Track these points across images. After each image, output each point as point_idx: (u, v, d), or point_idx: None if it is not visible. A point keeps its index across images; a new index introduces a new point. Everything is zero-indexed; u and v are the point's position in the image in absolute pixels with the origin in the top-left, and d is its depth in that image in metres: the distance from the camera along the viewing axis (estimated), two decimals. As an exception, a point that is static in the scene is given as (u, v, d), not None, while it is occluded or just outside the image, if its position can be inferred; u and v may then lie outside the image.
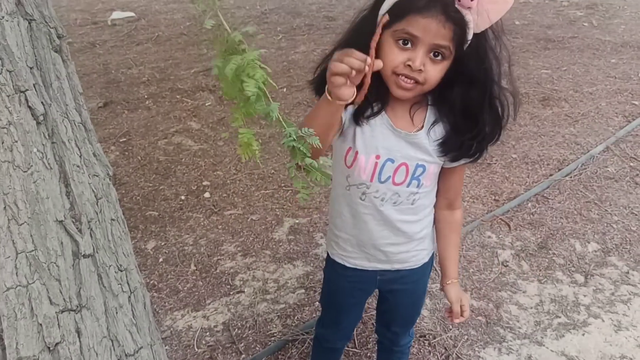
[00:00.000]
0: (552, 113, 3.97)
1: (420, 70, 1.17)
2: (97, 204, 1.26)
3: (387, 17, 1.02)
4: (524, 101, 4.14)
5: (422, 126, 1.31)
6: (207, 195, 3.15)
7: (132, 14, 6.86)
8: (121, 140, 3.83)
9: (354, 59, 1.01)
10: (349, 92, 1.08)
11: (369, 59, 0.98)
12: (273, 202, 3.06)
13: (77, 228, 1.18)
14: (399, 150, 1.32)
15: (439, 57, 1.18)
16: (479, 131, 1.27)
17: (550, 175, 3.22)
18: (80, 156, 1.25)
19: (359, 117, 1.30)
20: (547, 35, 5.64)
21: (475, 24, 1.16)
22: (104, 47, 5.84)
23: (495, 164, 3.34)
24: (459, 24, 1.14)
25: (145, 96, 4.54)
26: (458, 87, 1.25)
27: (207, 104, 4.32)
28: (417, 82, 1.19)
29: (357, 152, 1.33)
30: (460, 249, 2.64)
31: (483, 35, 1.19)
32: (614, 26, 5.87)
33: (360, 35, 1.22)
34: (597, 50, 5.17)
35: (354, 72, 1.05)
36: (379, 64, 1.01)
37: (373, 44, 1.00)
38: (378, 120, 1.31)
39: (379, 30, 1.01)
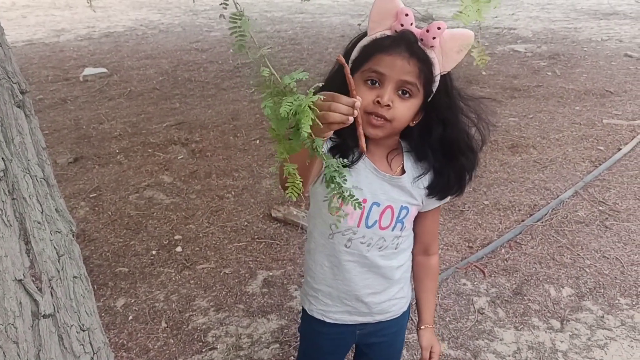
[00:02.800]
0: (521, 159, 4.04)
1: (388, 105, 1.20)
2: (58, 261, 1.22)
3: (342, 58, 1.01)
4: (493, 148, 4.22)
5: (403, 171, 1.35)
6: (179, 249, 3.10)
7: (104, 70, 6.89)
8: (91, 196, 3.77)
9: (342, 105, 0.97)
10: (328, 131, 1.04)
11: (357, 102, 0.96)
12: (246, 255, 3.01)
13: (37, 287, 1.14)
14: (383, 193, 1.34)
15: (407, 95, 1.22)
16: (461, 167, 1.34)
17: (522, 220, 3.25)
18: (42, 212, 1.22)
19: (346, 157, 1.30)
20: (513, 85, 5.80)
21: (441, 64, 1.21)
22: (75, 103, 5.82)
23: (467, 210, 3.36)
24: (423, 61, 1.19)
25: (117, 151, 4.50)
26: (436, 131, 1.30)
27: (179, 157, 4.30)
28: (386, 119, 1.22)
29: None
30: (437, 295, 2.61)
31: (449, 75, 1.25)
32: (576, 75, 6.07)
33: (333, 87, 1.25)
34: (562, 98, 5.33)
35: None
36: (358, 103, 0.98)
37: (352, 86, 0.99)
38: (361, 165, 1.33)
39: (346, 70, 1.00)
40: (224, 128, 4.88)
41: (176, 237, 3.22)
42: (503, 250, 2.96)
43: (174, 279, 2.85)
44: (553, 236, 3.07)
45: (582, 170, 3.84)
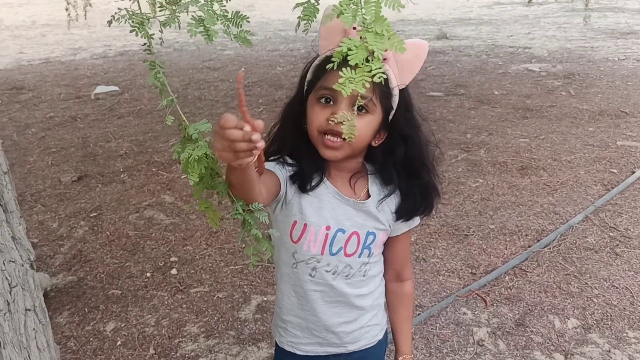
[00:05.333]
0: (531, 182, 3.93)
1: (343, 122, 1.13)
2: (10, 293, 1.15)
3: (242, 72, 0.90)
4: (503, 170, 4.11)
5: (369, 195, 1.29)
6: (174, 271, 3.03)
7: (115, 88, 6.92)
8: (91, 215, 3.73)
9: (233, 131, 0.84)
10: (248, 158, 0.90)
11: (246, 127, 0.83)
12: (241, 279, 2.94)
13: (-19, 322, 1.08)
14: (348, 219, 1.27)
15: (363, 111, 1.17)
16: (426, 185, 1.29)
17: (529, 246, 3.13)
18: (-6, 241, 1.16)
19: (305, 187, 1.25)
20: (526, 105, 5.69)
21: (398, 77, 1.16)
22: (85, 121, 5.84)
23: (472, 235, 3.26)
24: None
25: (121, 169, 4.48)
26: (399, 150, 1.25)
27: (182, 177, 4.26)
28: (344, 138, 1.13)
29: (305, 225, 1.26)
30: (434, 327, 2.51)
31: (407, 90, 1.21)
32: (591, 95, 5.94)
33: (289, 117, 1.27)
34: (575, 119, 5.20)
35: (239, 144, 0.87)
36: (258, 125, 0.85)
37: (242, 108, 0.85)
38: (324, 190, 1.26)
39: (240, 89, 0.88)
40: (230, 147, 4.83)
41: (172, 259, 3.16)
42: (507, 278, 2.85)
43: (166, 302, 2.78)
44: (560, 263, 2.95)
45: (594, 193, 3.71)
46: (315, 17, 0.89)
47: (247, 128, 0.83)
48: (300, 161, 1.24)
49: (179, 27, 0.84)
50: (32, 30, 12.73)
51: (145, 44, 0.87)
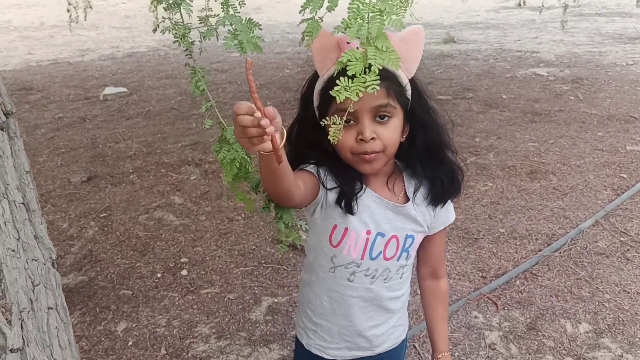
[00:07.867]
0: (540, 186, 3.92)
1: (373, 138, 1.15)
2: (33, 292, 1.16)
3: (251, 60, 0.86)
4: (512, 174, 4.11)
5: (407, 197, 1.30)
6: (184, 272, 3.04)
7: (124, 89, 6.94)
8: (101, 216, 3.74)
9: (244, 117, 0.87)
10: (265, 144, 0.92)
11: (257, 113, 0.85)
12: (252, 280, 2.94)
13: (6, 319, 1.08)
14: (387, 222, 1.28)
15: (386, 118, 1.17)
16: (450, 168, 1.30)
17: (539, 250, 3.12)
18: (17, 239, 1.16)
19: (351, 209, 1.24)
20: (534, 109, 5.68)
21: (406, 69, 1.17)
22: (93, 122, 5.86)
23: (482, 238, 3.25)
24: (386, 78, 1.11)
25: (130, 170, 4.49)
26: (419, 138, 1.25)
27: (191, 178, 4.27)
28: (377, 151, 1.18)
29: (346, 229, 1.27)
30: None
31: (415, 78, 1.22)
32: (600, 100, 5.93)
33: (307, 146, 1.27)
34: (584, 124, 5.19)
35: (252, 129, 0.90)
36: (268, 111, 0.86)
37: (253, 95, 0.86)
38: (363, 195, 1.27)
39: (249, 75, 0.85)
40: (238, 149, 4.84)
41: (182, 259, 3.17)
42: (518, 282, 2.84)
43: (177, 303, 2.79)
44: (571, 268, 2.94)
45: (604, 198, 3.70)
46: (318, 33, 0.92)
47: (258, 114, 0.86)
48: (336, 176, 1.23)
49: (217, 39, 0.87)
50: (41, 31, 12.78)
51: (186, 49, 0.91)
